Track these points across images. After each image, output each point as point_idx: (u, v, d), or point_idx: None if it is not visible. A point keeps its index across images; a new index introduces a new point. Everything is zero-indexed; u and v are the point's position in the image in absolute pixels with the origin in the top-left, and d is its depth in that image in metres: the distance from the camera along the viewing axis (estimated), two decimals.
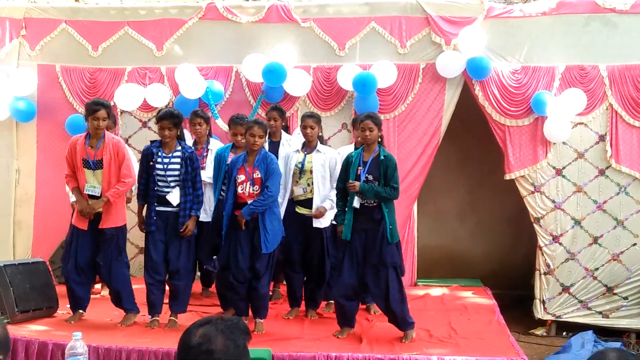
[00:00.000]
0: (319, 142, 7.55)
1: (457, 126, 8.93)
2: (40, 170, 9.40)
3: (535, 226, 8.52)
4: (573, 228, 8.47)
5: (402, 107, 8.81)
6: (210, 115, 8.88)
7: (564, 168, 8.48)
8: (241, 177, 6.77)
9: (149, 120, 9.11)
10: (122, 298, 7.08)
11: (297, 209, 7.43)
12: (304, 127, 7.47)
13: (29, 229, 9.42)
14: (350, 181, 6.58)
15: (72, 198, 7.42)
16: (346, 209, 6.65)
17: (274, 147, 7.91)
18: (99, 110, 6.77)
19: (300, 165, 7.41)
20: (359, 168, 6.60)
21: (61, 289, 7.63)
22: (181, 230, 6.87)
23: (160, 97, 9.01)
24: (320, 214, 7.30)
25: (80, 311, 7.13)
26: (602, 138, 8.44)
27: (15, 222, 9.47)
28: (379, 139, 6.68)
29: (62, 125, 9.14)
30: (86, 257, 6.99)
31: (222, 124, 8.88)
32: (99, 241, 6.99)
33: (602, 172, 8.44)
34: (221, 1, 9.29)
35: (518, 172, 8.53)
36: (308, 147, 7.51)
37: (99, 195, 6.87)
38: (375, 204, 6.56)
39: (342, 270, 6.63)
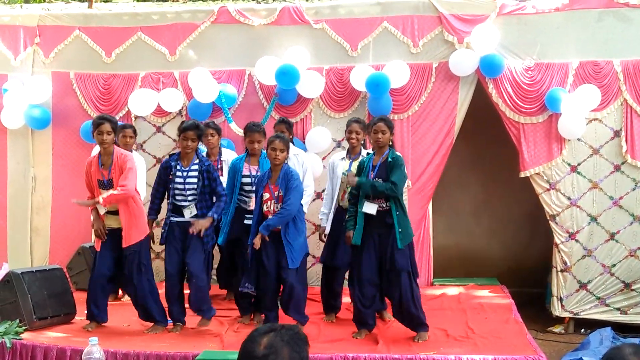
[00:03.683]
0: (362, 148, 7.49)
1: (470, 125, 8.91)
2: (56, 177, 9.47)
3: (551, 223, 8.47)
4: (589, 225, 8.41)
5: (416, 107, 8.79)
6: (224, 120, 8.93)
7: (579, 164, 8.43)
8: (266, 195, 6.82)
9: (163, 125, 9.17)
10: (151, 312, 7.03)
11: None
12: (349, 132, 7.41)
13: (46, 235, 9.49)
14: (348, 172, 6.73)
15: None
16: (357, 213, 6.64)
17: None
18: (102, 124, 6.75)
19: (347, 173, 7.25)
20: (370, 172, 6.58)
21: (79, 296, 7.68)
22: (190, 230, 6.79)
23: (173, 101, 9.03)
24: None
25: (96, 322, 7.09)
26: (617, 134, 8.39)
27: (32, 229, 9.54)
28: (390, 143, 6.66)
29: (77, 131, 9.22)
30: (105, 274, 6.97)
31: (235, 128, 8.89)
32: (119, 258, 6.96)
33: (617, 168, 8.38)
34: (233, 4, 9.33)
35: (533, 170, 8.48)
36: (352, 153, 7.45)
37: (108, 211, 6.91)
38: (387, 208, 6.52)
39: (359, 274, 6.62)
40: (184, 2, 10.63)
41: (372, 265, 6.57)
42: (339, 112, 8.94)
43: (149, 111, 9.11)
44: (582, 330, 8.41)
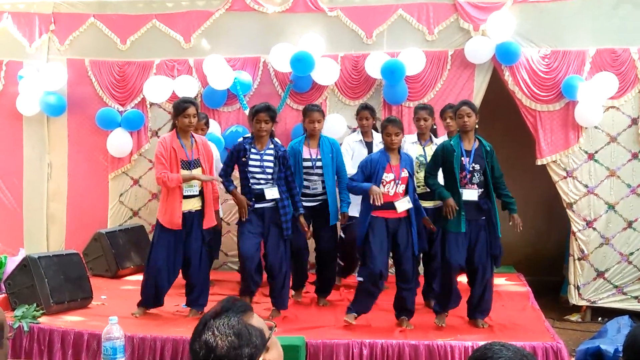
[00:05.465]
0: (431, 133, 7.48)
1: (486, 113, 8.83)
2: (72, 164, 9.50)
3: (568, 211, 8.43)
4: (607, 213, 8.35)
5: (431, 95, 8.75)
6: (239, 107, 8.93)
7: (596, 152, 8.37)
8: (389, 177, 6.49)
9: None
10: (200, 295, 6.99)
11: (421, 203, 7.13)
12: (417, 120, 7.41)
13: (61, 222, 9.53)
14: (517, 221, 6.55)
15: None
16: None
17: (369, 147, 7.90)
18: (189, 108, 6.73)
19: (422, 159, 7.23)
20: (463, 158, 6.42)
21: (95, 281, 7.70)
22: (304, 229, 7.01)
23: (188, 88, 9.00)
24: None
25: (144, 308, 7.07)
26: (634, 121, 8.32)
27: (48, 216, 9.58)
28: (476, 127, 6.57)
29: (93, 118, 9.23)
30: (177, 258, 6.89)
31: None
32: (188, 241, 6.88)
33: (635, 156, 8.32)
34: None
35: (550, 158, 8.44)
36: (422, 139, 7.44)
37: (197, 193, 6.84)
38: (481, 194, 6.47)
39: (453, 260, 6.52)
40: None
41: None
42: (354, 100, 8.91)
43: (163, 98, 9.10)
44: (599, 318, 8.37)
